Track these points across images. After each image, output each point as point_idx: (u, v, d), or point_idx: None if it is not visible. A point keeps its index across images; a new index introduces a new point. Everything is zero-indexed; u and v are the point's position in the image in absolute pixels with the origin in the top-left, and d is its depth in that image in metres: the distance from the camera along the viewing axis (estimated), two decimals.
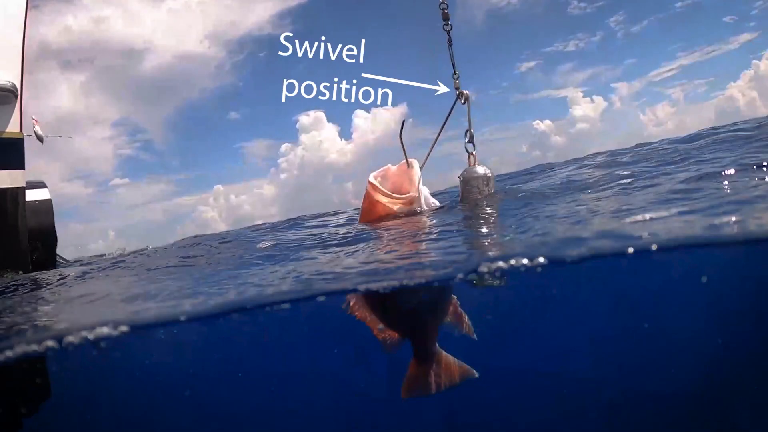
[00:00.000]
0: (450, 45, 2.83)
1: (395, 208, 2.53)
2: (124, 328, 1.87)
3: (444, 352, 2.54)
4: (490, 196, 2.69)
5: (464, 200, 2.70)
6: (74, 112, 18.72)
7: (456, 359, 2.54)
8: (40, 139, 5.17)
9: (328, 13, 20.07)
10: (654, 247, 1.86)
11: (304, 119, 20.84)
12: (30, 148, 4.41)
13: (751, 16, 20.27)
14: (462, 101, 2.73)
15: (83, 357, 2.01)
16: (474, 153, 2.68)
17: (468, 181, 2.66)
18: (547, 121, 21.30)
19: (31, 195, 4.55)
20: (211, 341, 2.69)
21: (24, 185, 4.29)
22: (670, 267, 2.43)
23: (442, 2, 2.81)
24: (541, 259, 1.87)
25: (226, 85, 21.43)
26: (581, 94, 21.92)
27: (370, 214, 2.62)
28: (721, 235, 1.92)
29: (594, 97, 21.90)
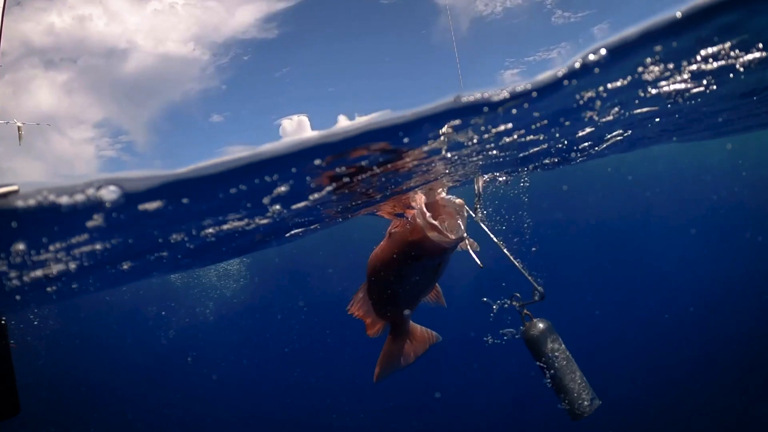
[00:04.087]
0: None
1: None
2: None
3: (413, 323, 2.63)
4: None
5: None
6: (56, 112, 18.29)
7: (422, 327, 2.65)
8: (18, 129, 4.92)
9: (312, 18, 19.97)
10: None
11: (287, 123, 20.67)
12: (13, 143, 4.32)
13: None
14: (536, 297, 2.53)
15: None
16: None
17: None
18: None
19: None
20: None
21: None
22: None
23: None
24: None
25: (210, 88, 20.97)
26: None
27: None
28: None
29: None
